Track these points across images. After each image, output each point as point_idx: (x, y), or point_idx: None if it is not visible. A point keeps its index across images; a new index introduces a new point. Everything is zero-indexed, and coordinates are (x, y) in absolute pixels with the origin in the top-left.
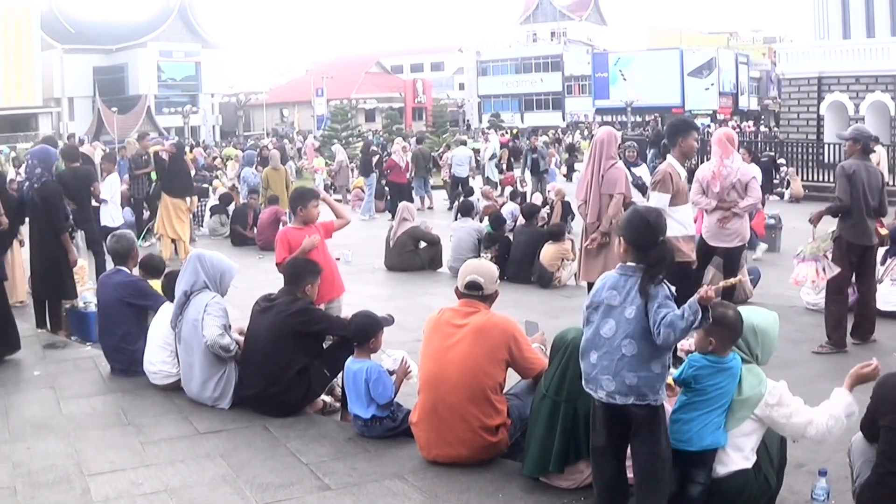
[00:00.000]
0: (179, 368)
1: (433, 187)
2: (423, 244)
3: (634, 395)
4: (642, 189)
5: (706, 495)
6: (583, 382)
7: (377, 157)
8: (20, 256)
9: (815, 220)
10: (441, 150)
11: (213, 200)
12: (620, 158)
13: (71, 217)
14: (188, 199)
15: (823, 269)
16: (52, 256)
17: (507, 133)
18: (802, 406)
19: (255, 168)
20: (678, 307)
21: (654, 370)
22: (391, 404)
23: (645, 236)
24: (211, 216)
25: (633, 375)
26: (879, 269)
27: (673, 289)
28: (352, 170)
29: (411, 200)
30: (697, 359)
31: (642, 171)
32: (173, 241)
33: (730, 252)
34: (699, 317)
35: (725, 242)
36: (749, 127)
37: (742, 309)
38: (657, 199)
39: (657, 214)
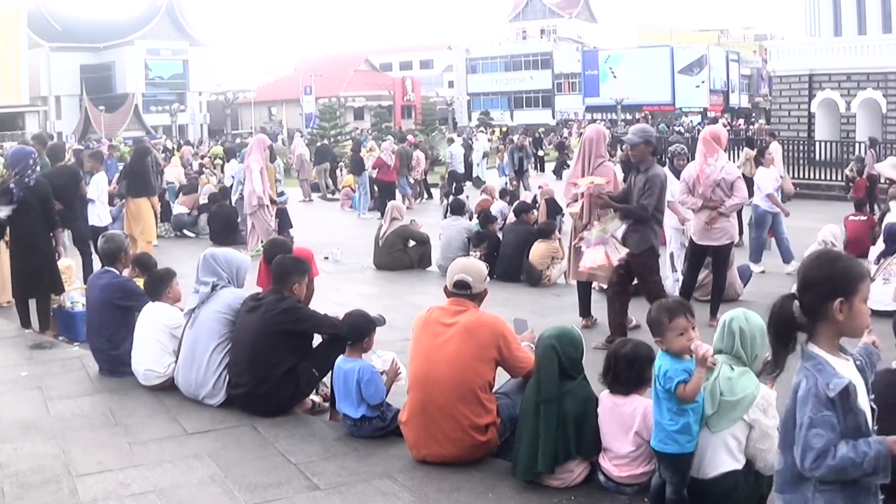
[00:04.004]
0: (167, 369)
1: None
2: (412, 243)
3: None
4: None
5: (685, 497)
6: None
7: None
8: (6, 256)
9: (602, 205)
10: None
11: (202, 199)
12: (668, 166)
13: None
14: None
15: (611, 252)
16: (46, 253)
17: (495, 131)
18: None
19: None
20: None
21: (807, 494)
22: (382, 404)
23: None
24: (199, 214)
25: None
26: (872, 268)
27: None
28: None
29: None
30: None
31: None
32: (135, 239)
33: (718, 250)
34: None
35: (714, 241)
36: (740, 125)
37: (746, 311)
38: None
39: None
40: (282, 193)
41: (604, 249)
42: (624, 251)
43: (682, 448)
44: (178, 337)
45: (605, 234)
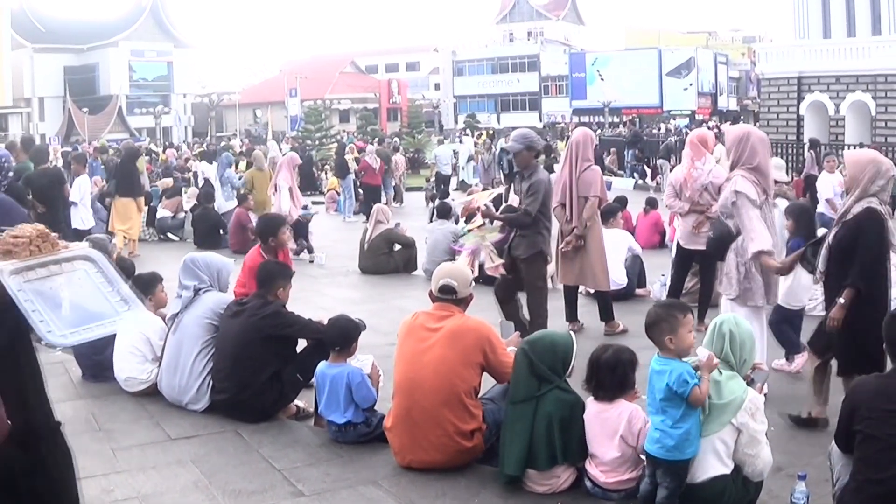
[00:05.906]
0: (150, 375)
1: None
2: (397, 247)
3: None
4: None
5: (679, 500)
6: None
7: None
8: None
9: (490, 217)
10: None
11: (189, 202)
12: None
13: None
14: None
15: (480, 260)
16: None
17: (482, 134)
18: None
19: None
20: None
21: None
22: (372, 408)
23: None
24: (184, 218)
25: None
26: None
27: None
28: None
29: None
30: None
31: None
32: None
33: (706, 254)
34: None
35: (701, 245)
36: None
37: (737, 316)
38: None
39: None
40: (305, 207)
41: (470, 259)
42: (499, 261)
43: (682, 454)
44: (156, 345)
45: (483, 242)
